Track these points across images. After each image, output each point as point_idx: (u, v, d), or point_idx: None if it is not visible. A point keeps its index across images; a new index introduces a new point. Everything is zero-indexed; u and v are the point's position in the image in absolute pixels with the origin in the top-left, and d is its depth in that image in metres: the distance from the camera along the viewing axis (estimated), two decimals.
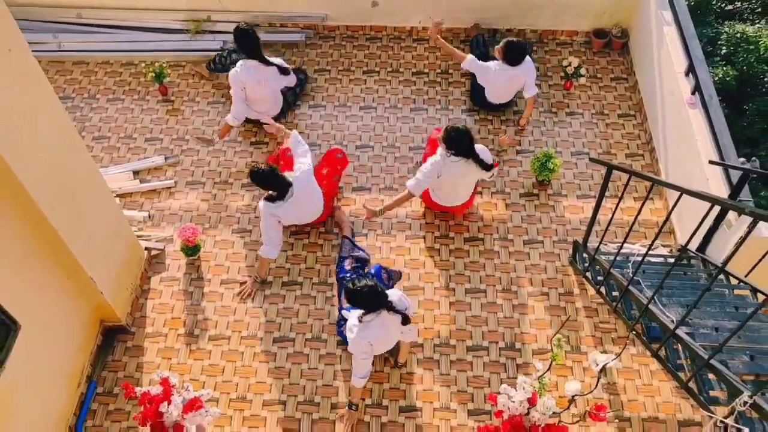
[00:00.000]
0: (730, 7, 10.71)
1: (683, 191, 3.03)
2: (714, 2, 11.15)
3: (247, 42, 5.21)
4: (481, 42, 6.16)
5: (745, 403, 2.43)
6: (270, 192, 4.69)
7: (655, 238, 3.56)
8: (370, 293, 3.85)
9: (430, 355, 4.71)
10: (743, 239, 3.65)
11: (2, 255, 3.60)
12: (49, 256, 4.00)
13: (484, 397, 4.52)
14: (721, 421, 2.57)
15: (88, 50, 6.38)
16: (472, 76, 5.80)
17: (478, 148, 4.77)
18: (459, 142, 4.63)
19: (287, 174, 4.74)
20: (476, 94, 5.89)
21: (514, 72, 5.44)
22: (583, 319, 4.85)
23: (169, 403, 3.59)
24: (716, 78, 9.74)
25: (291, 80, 5.58)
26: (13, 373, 3.70)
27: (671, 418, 4.42)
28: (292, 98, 5.91)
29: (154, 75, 5.95)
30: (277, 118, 5.69)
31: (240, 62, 5.28)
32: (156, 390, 3.64)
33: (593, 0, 6.26)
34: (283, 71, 5.39)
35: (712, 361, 2.73)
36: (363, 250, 5.00)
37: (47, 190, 3.68)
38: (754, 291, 3.65)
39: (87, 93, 6.19)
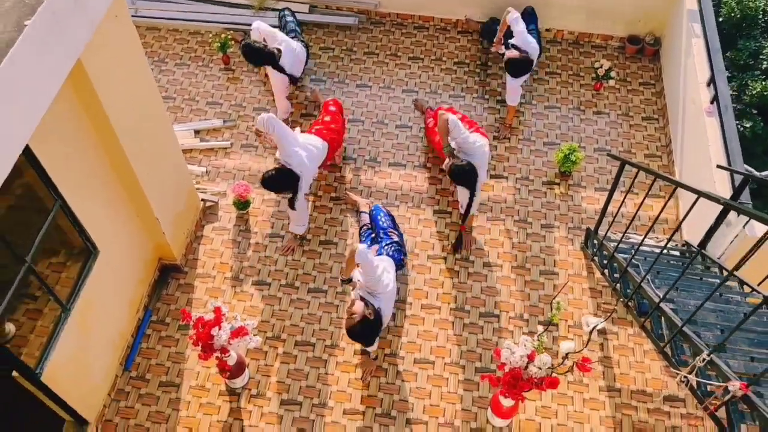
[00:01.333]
0: None
1: (678, 185, 3.52)
2: (761, 17, 11.35)
3: (256, 57, 5.76)
4: (495, 27, 6.56)
5: (704, 360, 2.93)
6: (285, 195, 5.21)
7: (671, 236, 3.98)
8: None
9: (446, 317, 5.26)
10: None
11: (93, 192, 4.24)
12: (126, 195, 4.64)
13: (490, 358, 5.06)
14: (685, 376, 3.07)
15: (160, 17, 7.00)
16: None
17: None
18: (463, 177, 5.11)
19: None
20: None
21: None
22: (587, 299, 5.35)
23: (219, 328, 4.20)
24: (755, 91, 9.98)
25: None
26: (90, 291, 4.36)
27: (657, 392, 4.92)
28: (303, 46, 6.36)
29: (218, 45, 6.55)
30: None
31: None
32: (209, 316, 4.25)
33: (629, 7, 6.67)
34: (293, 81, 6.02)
35: (684, 329, 3.23)
36: (368, 214, 5.50)
37: (133, 139, 4.30)
38: (726, 272, 4.06)
39: (157, 56, 6.82)
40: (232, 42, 6.61)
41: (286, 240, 5.59)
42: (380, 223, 5.28)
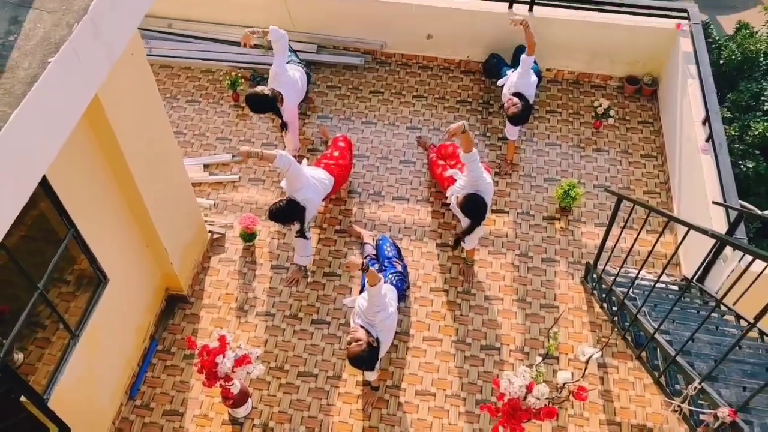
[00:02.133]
0: None
1: (670, 218, 3.63)
2: (762, 59, 11.59)
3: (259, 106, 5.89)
4: (494, 61, 6.86)
5: (695, 388, 2.99)
6: (294, 225, 5.27)
7: (665, 267, 4.06)
8: None
9: (447, 349, 5.33)
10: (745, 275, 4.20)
11: (105, 222, 4.39)
12: (136, 226, 4.78)
13: (491, 390, 5.10)
14: (679, 406, 3.13)
15: (173, 56, 7.26)
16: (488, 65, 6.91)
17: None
18: (476, 209, 5.13)
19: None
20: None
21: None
22: (587, 333, 5.41)
23: (223, 356, 4.29)
24: (756, 132, 10.14)
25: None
26: (99, 319, 4.47)
27: (658, 427, 4.94)
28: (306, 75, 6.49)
29: (229, 83, 6.79)
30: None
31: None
32: (214, 344, 4.35)
33: (627, 50, 6.87)
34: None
35: (677, 359, 3.29)
36: (372, 245, 5.64)
37: (145, 172, 4.46)
38: (718, 303, 4.13)
39: (170, 93, 7.05)
40: (242, 80, 6.84)
41: (291, 271, 5.70)
42: (385, 252, 5.39)
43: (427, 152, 6.36)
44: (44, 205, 3.78)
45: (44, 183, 3.66)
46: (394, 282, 5.09)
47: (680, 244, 3.62)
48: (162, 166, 4.82)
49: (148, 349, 5.28)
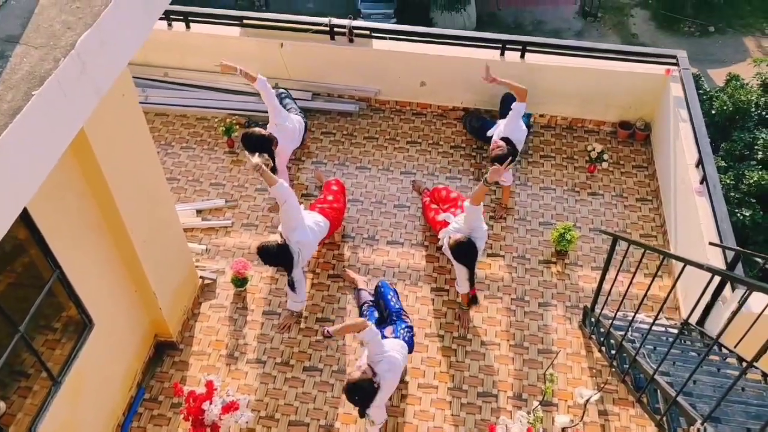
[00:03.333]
0: None
1: (666, 255, 3.56)
2: (754, 110, 11.75)
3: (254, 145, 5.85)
4: (474, 120, 6.94)
5: (698, 430, 2.87)
6: (281, 268, 5.26)
7: (661, 308, 4.00)
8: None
9: (443, 397, 5.17)
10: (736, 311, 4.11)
11: (91, 263, 4.32)
12: (124, 268, 4.70)
13: None
14: None
15: (169, 104, 7.32)
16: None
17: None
18: (466, 254, 5.19)
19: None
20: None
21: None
22: (587, 378, 5.26)
23: (210, 402, 4.15)
24: (752, 180, 10.18)
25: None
26: (83, 364, 4.34)
27: None
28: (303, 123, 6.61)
29: (223, 129, 6.82)
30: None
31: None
32: (201, 390, 4.21)
33: (619, 95, 6.94)
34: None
35: (679, 399, 3.17)
36: (367, 291, 5.55)
37: (134, 213, 4.42)
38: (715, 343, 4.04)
39: (164, 140, 7.07)
40: (237, 126, 6.87)
41: (283, 317, 5.59)
42: (392, 304, 5.23)
43: (422, 196, 6.34)
44: (29, 245, 3.71)
45: (29, 222, 3.61)
46: (406, 338, 4.96)
47: (677, 279, 3.54)
48: (152, 209, 4.78)
49: (135, 398, 5.12)
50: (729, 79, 12.73)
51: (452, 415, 5.07)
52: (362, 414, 4.54)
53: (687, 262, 3.31)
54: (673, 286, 3.55)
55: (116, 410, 4.92)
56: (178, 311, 5.42)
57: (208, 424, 4.18)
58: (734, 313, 3.26)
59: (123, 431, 4.94)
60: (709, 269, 3.26)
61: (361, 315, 5.37)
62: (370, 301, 5.41)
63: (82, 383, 4.35)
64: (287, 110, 6.41)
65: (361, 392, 4.34)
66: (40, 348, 3.96)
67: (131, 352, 5.08)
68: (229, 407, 4.18)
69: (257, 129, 5.87)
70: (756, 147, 10.88)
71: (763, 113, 11.64)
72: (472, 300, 5.54)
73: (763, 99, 11.79)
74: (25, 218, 3.55)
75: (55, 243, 3.81)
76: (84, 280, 4.20)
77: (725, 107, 11.51)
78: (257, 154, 5.44)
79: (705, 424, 2.89)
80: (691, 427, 2.91)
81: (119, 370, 4.96)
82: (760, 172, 10.26)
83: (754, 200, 10.15)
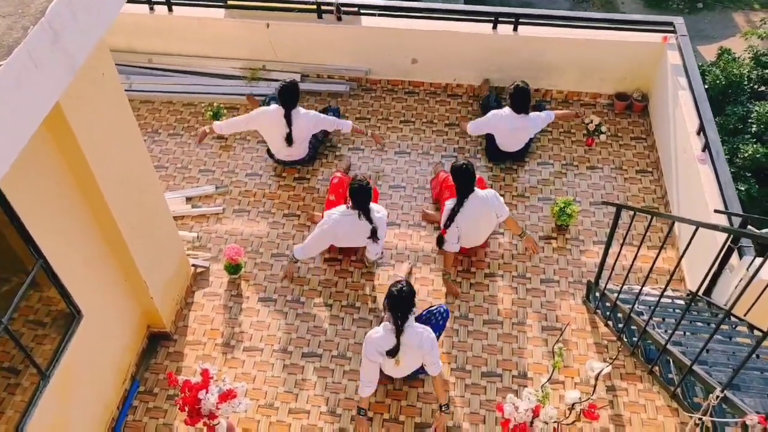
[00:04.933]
0: (762, 88, 11.11)
1: (675, 218, 3.42)
2: (746, 83, 11.62)
3: (286, 95, 5.85)
4: (492, 99, 6.69)
5: (717, 397, 2.74)
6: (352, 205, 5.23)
7: (670, 279, 3.83)
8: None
9: (446, 378, 5.03)
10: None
11: (77, 252, 4.15)
12: (114, 258, 4.53)
13: (495, 420, 4.80)
14: (699, 418, 2.87)
15: (155, 91, 7.12)
16: (487, 135, 6.36)
17: (490, 193, 5.30)
18: (463, 178, 5.18)
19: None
20: (491, 149, 6.42)
21: (518, 123, 6.01)
22: (593, 354, 5.14)
23: (206, 391, 3.99)
24: (746, 154, 10.07)
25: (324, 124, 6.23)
26: (72, 358, 4.17)
27: None
28: (321, 135, 6.45)
29: (211, 114, 6.63)
30: (303, 164, 6.39)
31: (273, 106, 5.95)
32: (196, 379, 4.05)
33: (615, 66, 6.78)
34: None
35: (694, 367, 3.04)
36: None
37: (120, 199, 4.23)
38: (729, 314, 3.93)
39: (151, 128, 6.88)
40: (225, 110, 6.68)
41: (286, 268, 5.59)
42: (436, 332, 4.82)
43: (436, 176, 6.14)
44: (9, 234, 3.54)
45: (9, 210, 3.43)
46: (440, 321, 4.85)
47: (687, 247, 3.39)
48: (139, 195, 4.60)
49: (129, 391, 4.96)
50: (720, 53, 12.59)
51: (457, 396, 4.94)
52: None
53: (699, 224, 3.17)
54: (683, 254, 3.41)
55: (110, 404, 4.76)
56: (170, 301, 5.25)
57: (205, 413, 4.02)
58: (748, 282, 3.12)
59: (118, 425, 4.79)
60: (725, 229, 3.12)
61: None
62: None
63: (72, 377, 4.19)
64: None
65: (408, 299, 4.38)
66: (27, 342, 3.78)
67: (123, 343, 4.91)
68: (227, 396, 4.02)
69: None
70: (750, 120, 10.77)
71: (756, 86, 11.52)
72: (440, 240, 5.49)
73: (755, 72, 11.66)
74: (2, 203, 3.38)
75: (36, 231, 3.63)
76: (70, 270, 4.02)
77: (718, 81, 11.37)
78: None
79: (725, 391, 2.75)
80: (711, 396, 2.78)
81: (111, 362, 4.79)
82: (754, 146, 10.15)
83: (750, 174, 10.05)
